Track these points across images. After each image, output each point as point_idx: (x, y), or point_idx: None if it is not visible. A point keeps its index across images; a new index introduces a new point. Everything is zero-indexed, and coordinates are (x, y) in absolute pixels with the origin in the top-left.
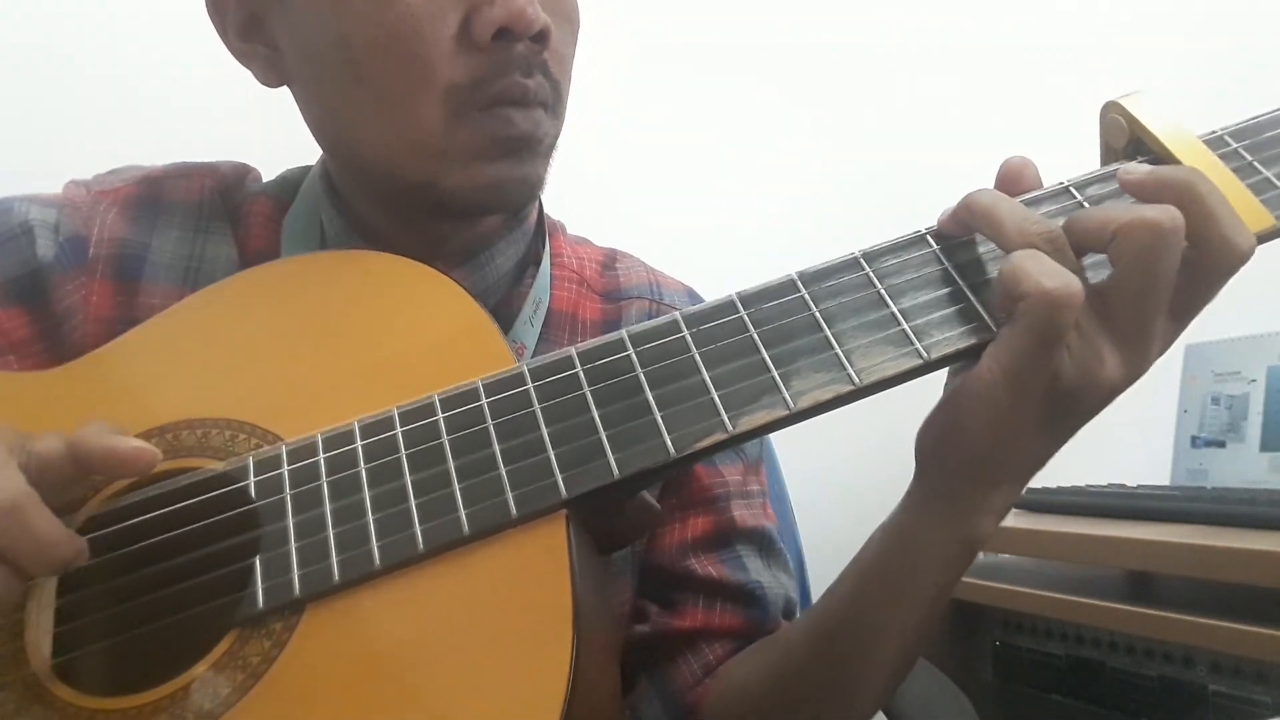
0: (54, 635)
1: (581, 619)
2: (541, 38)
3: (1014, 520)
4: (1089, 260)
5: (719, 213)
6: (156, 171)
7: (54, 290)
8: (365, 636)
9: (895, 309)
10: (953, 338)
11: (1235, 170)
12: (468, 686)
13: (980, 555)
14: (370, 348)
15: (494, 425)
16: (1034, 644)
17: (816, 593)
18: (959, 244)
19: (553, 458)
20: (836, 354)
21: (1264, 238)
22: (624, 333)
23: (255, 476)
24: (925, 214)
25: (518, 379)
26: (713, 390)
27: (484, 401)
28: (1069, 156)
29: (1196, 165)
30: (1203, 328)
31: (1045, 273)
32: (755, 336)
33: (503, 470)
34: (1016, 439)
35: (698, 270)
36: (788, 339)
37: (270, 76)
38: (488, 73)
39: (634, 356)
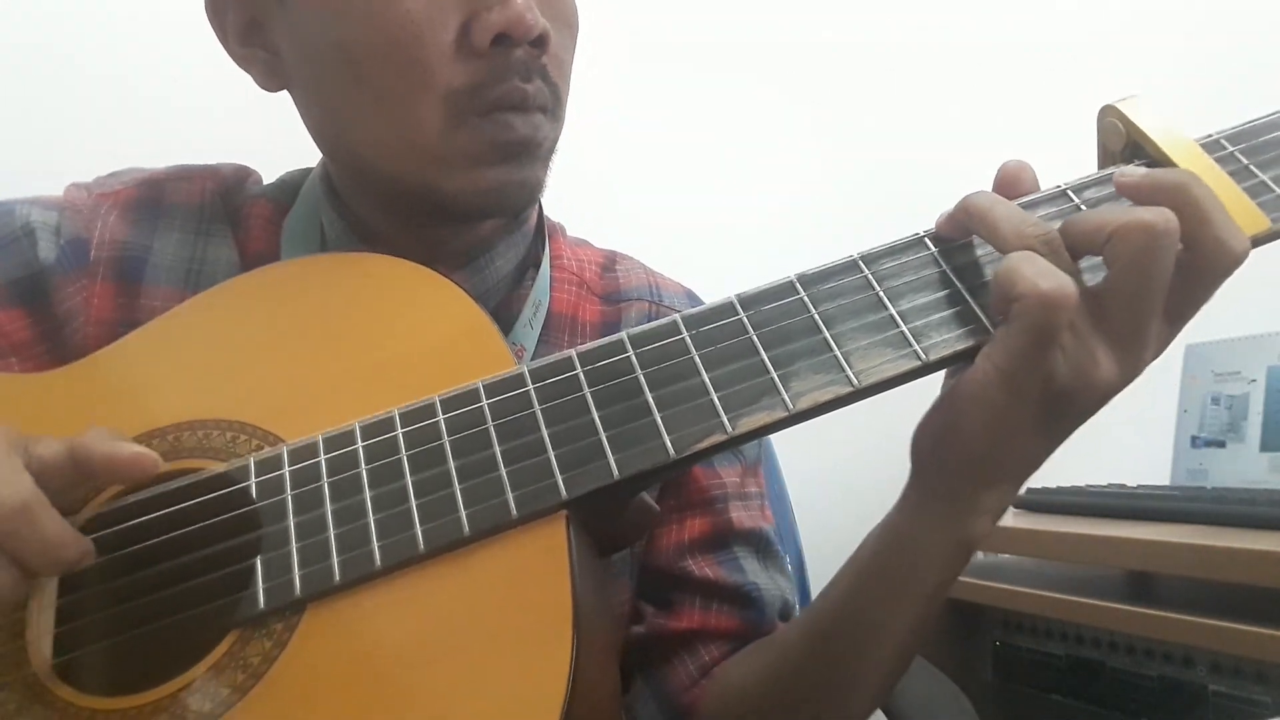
0: (55, 635)
1: (581, 619)
2: (540, 42)
3: (1014, 520)
4: (1086, 263)
5: (719, 213)
6: (157, 174)
7: (55, 292)
8: (366, 637)
9: (894, 311)
10: (951, 339)
11: (1231, 174)
12: (468, 686)
13: (980, 555)
14: (371, 349)
15: (494, 426)
16: (1034, 644)
17: (816, 593)
18: (957, 246)
19: (553, 459)
20: (836, 356)
21: (1260, 240)
22: (624, 334)
23: (256, 477)
24: (925, 214)
25: (518, 380)
26: (712, 392)
27: (484, 403)
28: (1068, 157)
29: (1193, 169)
30: (1203, 328)
31: (1040, 274)
32: (755, 338)
33: (503, 471)
34: (1012, 439)
35: (698, 270)
36: (787, 341)
37: (270, 81)
38: (487, 78)
39: (634, 358)
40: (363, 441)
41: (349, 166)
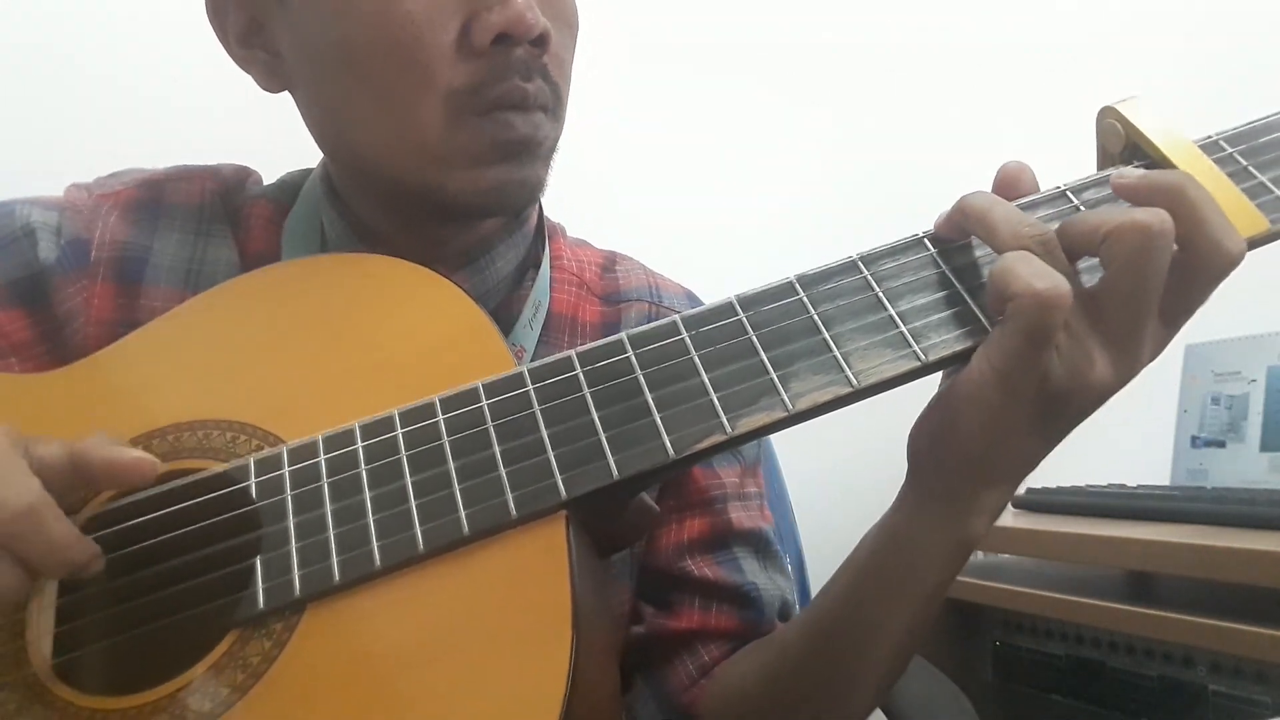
0: (54, 635)
1: (581, 619)
2: (541, 42)
3: (1014, 520)
4: (1084, 264)
5: (719, 213)
6: (157, 174)
7: (55, 293)
8: (365, 637)
9: (893, 311)
10: (950, 340)
11: (1230, 175)
12: (467, 686)
13: (980, 555)
14: (371, 350)
15: (494, 426)
16: (1034, 644)
17: (816, 592)
18: (956, 247)
19: (552, 459)
20: (835, 356)
21: (1260, 241)
22: (624, 335)
23: (256, 477)
24: (925, 214)
25: (518, 380)
26: (712, 392)
27: (484, 403)
28: (1068, 158)
29: (1192, 170)
30: (1203, 328)
31: (1035, 274)
32: (754, 339)
33: (503, 471)
34: (1009, 439)
35: (698, 271)
36: (786, 341)
37: (271, 82)
38: (487, 77)
39: (633, 358)
40: (362, 441)
41: (350, 166)
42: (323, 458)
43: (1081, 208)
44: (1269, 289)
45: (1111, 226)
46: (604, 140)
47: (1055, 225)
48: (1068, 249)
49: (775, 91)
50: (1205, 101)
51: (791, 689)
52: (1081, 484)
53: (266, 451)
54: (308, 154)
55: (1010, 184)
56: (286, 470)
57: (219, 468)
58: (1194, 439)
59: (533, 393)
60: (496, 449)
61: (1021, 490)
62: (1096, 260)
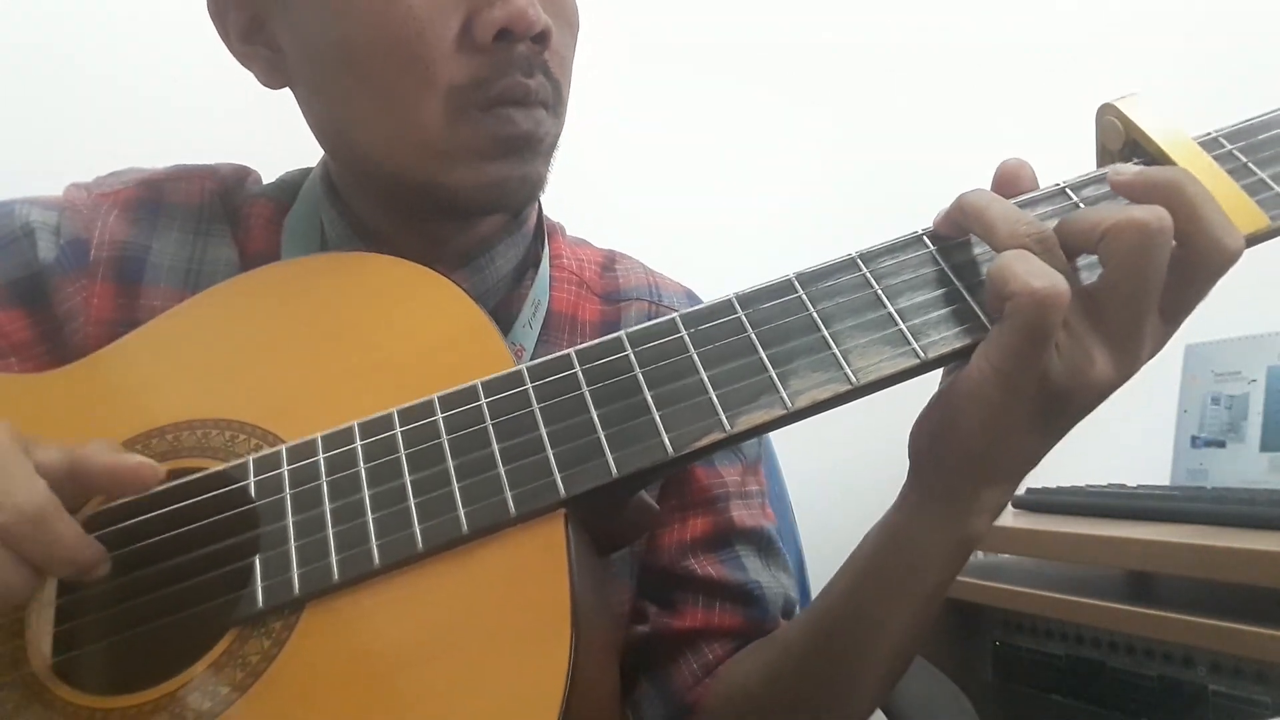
0: (54, 634)
1: (580, 617)
2: (542, 38)
3: (1014, 520)
4: (1083, 261)
5: (719, 213)
6: (157, 174)
7: (55, 293)
8: (364, 635)
9: (892, 309)
10: (949, 337)
11: (1230, 171)
12: (466, 685)
13: (980, 555)
14: (370, 349)
15: (493, 425)
16: (1034, 644)
17: (816, 592)
18: (955, 245)
19: (551, 457)
20: (834, 354)
21: (1258, 238)
22: (622, 333)
23: (255, 476)
24: (925, 214)
25: (516, 379)
26: (710, 390)
27: (483, 401)
28: (1068, 157)
29: (1191, 167)
30: (1203, 328)
31: (1033, 273)
32: (753, 336)
33: (501, 469)
34: (1009, 437)
35: (698, 270)
36: (785, 339)
37: (272, 78)
38: (489, 73)
39: (632, 357)
40: (361, 440)
41: (350, 164)
42: (321, 456)
43: (1081, 205)
44: (1269, 289)
45: (1110, 224)
46: (604, 140)
47: (1054, 223)
48: (1066, 247)
49: (775, 91)
50: (1205, 101)
51: (793, 688)
52: (1081, 484)
53: (265, 451)
54: (307, 153)
55: (1009, 181)
56: (285, 469)
57: (218, 467)
58: (1194, 439)
59: (531, 391)
60: (495, 447)
61: (1021, 490)
62: (1095, 257)
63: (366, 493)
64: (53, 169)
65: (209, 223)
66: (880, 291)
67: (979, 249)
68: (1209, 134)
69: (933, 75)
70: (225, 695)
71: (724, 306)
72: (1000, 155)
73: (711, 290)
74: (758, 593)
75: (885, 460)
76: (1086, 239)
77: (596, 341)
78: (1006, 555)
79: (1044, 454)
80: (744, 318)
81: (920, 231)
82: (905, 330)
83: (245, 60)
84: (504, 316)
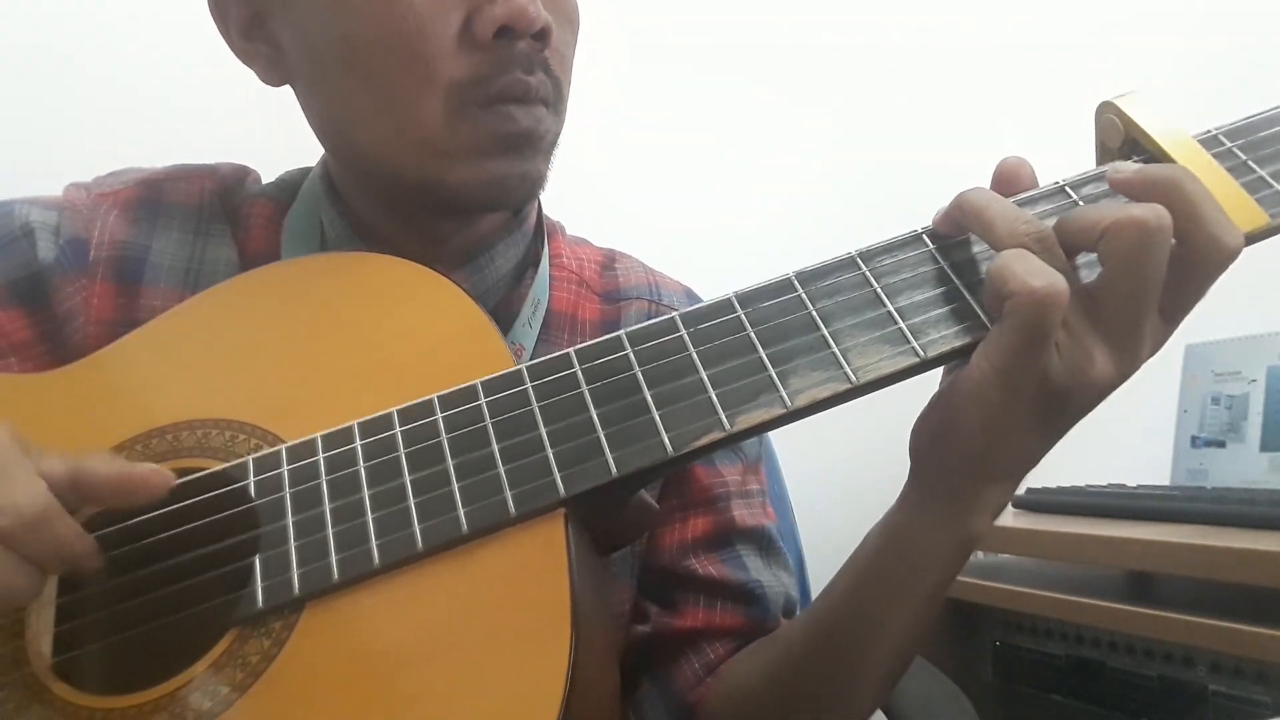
0: (54, 634)
1: (580, 617)
2: (543, 36)
3: (1014, 520)
4: (1082, 259)
5: (719, 213)
6: (156, 174)
7: (55, 292)
8: (364, 635)
9: (892, 308)
10: (949, 336)
11: (1230, 169)
12: (466, 684)
13: (980, 555)
14: (370, 349)
15: (492, 424)
16: (1034, 644)
17: (816, 592)
18: (955, 243)
19: (551, 456)
20: (833, 352)
21: (1258, 236)
22: (622, 333)
23: (255, 476)
24: (925, 214)
25: (516, 378)
26: (710, 389)
27: (482, 401)
28: (1068, 157)
29: (1190, 164)
30: (1203, 328)
31: (1031, 272)
32: (752, 335)
33: (501, 469)
34: (1009, 436)
35: (698, 270)
36: (785, 338)
37: (272, 75)
38: (489, 70)
39: (632, 356)
40: (361, 440)
41: (350, 162)
42: (321, 456)
43: (1080, 203)
44: (1269, 289)
45: (1109, 223)
46: (604, 140)
47: (1053, 221)
48: (1065, 245)
49: (775, 91)
50: (1205, 101)
51: (794, 687)
52: (1081, 484)
53: (265, 450)
54: (307, 152)
55: (1009, 179)
56: (285, 469)
57: (218, 467)
58: (1194, 439)
59: (531, 390)
60: (495, 447)
61: (1021, 490)
62: (1095, 255)
63: (366, 492)
64: (53, 169)
65: (209, 222)
66: (879, 290)
67: (978, 247)
68: (1208, 132)
69: (933, 75)
70: (225, 695)
71: (723, 305)
72: (1000, 155)
73: (711, 290)
74: (759, 592)
75: (885, 460)
76: (1086, 237)
77: (596, 341)
78: (1006, 555)
79: (1044, 453)
80: (743, 317)
81: (920, 230)
82: (905, 329)
83: (245, 58)
84: (504, 315)
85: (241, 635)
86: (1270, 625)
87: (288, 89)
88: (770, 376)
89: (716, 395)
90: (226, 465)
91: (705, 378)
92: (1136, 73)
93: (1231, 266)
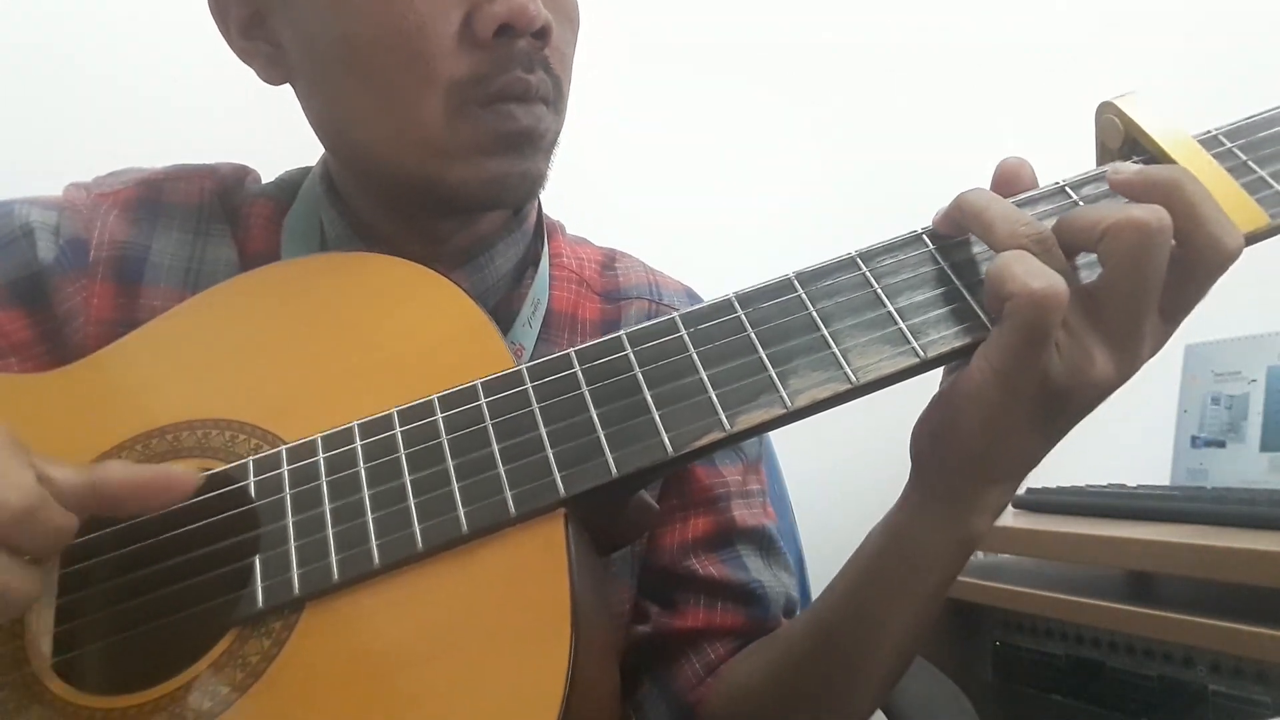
0: (54, 634)
1: (580, 617)
2: (543, 34)
3: (1014, 520)
4: (1082, 259)
5: (719, 213)
6: (156, 174)
7: (55, 292)
8: (364, 635)
9: (892, 308)
10: (949, 336)
11: (1230, 169)
12: (466, 684)
13: (980, 555)
14: (370, 349)
15: (492, 425)
16: (1034, 644)
17: (817, 592)
18: (955, 243)
19: (551, 456)
20: (833, 353)
21: (1258, 236)
22: (622, 333)
23: (255, 476)
24: (925, 214)
25: (516, 379)
26: (710, 389)
27: (482, 401)
28: (1068, 157)
29: (1190, 165)
30: (1203, 328)
31: (1031, 273)
32: (752, 336)
33: (501, 469)
34: (1010, 437)
35: (698, 270)
36: (785, 338)
37: (272, 74)
38: (490, 69)
39: (632, 356)
40: (361, 440)
41: (350, 161)
42: (321, 457)
43: (1080, 203)
44: (1269, 289)
45: (1109, 224)
46: (604, 140)
47: (1053, 221)
48: (1065, 245)
49: (775, 91)
50: (1205, 101)
51: (795, 687)
52: (1081, 484)
53: (265, 451)
54: (307, 152)
55: (1009, 179)
56: (285, 469)
57: (218, 467)
58: (1194, 439)
59: (531, 391)
60: (495, 447)
61: (1021, 490)
62: (1095, 256)
63: (366, 493)
64: (53, 169)
65: (208, 222)
66: (880, 290)
67: (978, 248)
68: (1208, 132)
69: (933, 75)
70: (225, 695)
71: (723, 306)
72: (1000, 155)
73: (711, 290)
74: (759, 592)
75: (885, 460)
76: (1086, 238)
77: (596, 342)
78: (1006, 555)
79: (1044, 454)
80: (743, 317)
81: (920, 230)
82: (905, 329)
83: (245, 56)
84: (504, 315)
85: (241, 635)
86: (1270, 625)
87: (287, 88)
88: (770, 377)
89: (716, 395)
90: (227, 466)
91: (705, 378)
92: (1136, 73)
93: (1231, 266)
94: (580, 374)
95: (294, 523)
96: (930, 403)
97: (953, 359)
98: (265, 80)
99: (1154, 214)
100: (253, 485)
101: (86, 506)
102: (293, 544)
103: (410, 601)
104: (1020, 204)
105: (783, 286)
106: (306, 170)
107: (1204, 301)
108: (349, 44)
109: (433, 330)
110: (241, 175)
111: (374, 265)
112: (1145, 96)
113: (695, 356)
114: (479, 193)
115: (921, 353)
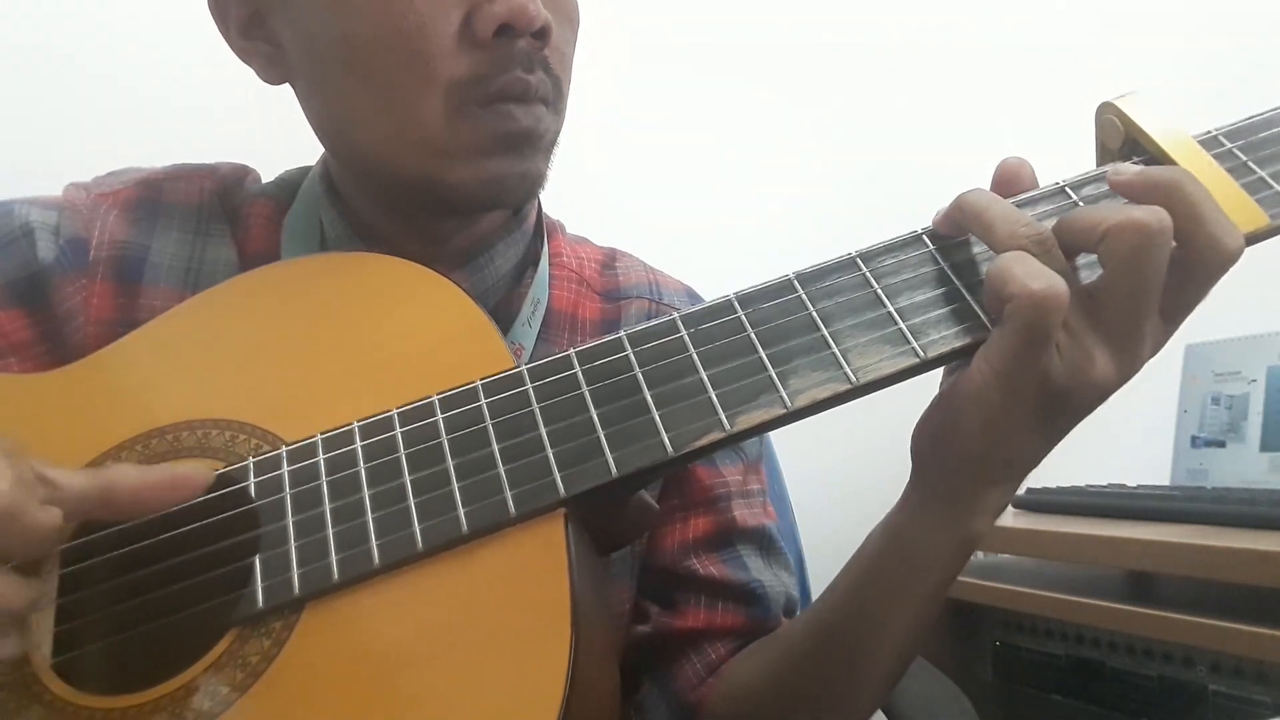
0: (54, 634)
1: (580, 617)
2: (543, 34)
3: (1014, 520)
4: (1082, 260)
5: (719, 213)
6: (156, 174)
7: (55, 292)
8: (364, 635)
9: (892, 308)
10: (949, 336)
11: (1230, 170)
12: (466, 684)
13: (980, 555)
14: (370, 349)
15: (492, 425)
16: (1034, 644)
17: (817, 592)
18: (955, 244)
19: (551, 456)
20: (833, 353)
21: (1258, 237)
22: (622, 333)
23: (255, 477)
24: (925, 214)
25: (516, 379)
26: (710, 389)
27: (482, 401)
28: (1068, 157)
29: (1191, 165)
30: (1203, 328)
31: (1031, 274)
32: (752, 336)
33: (501, 469)
34: (1010, 438)
35: (698, 270)
36: (785, 338)
37: (272, 74)
38: (489, 69)
39: (632, 356)
40: (361, 441)
41: (350, 161)
42: (321, 457)
43: (1080, 204)
44: (1269, 289)
45: (1110, 225)
46: (604, 140)
47: (1053, 222)
48: (1065, 246)
49: (775, 91)
50: (1205, 101)
51: (795, 687)
52: (1081, 484)
53: (265, 451)
54: (307, 152)
55: (1009, 179)
56: (285, 470)
57: (218, 467)
58: (1194, 439)
59: (531, 391)
60: (495, 447)
61: (1021, 490)
62: (1095, 256)
63: (366, 493)
64: (53, 169)
65: (208, 222)
66: (880, 291)
67: (978, 248)
68: (1208, 132)
69: (933, 75)
70: (225, 695)
71: (724, 306)
72: (1000, 155)
73: (711, 290)
74: (760, 592)
75: (885, 460)
76: (1086, 238)
77: (596, 342)
78: (1006, 555)
79: (1045, 454)
80: (744, 317)
81: (920, 231)
82: (905, 329)
83: (245, 56)
84: (504, 315)
85: (241, 635)
86: (1270, 625)
87: (287, 88)
88: (770, 377)
89: (717, 395)
90: (227, 466)
91: (705, 378)
92: (1136, 73)
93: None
94: (580, 374)
95: (294, 523)
96: (931, 404)
97: (953, 359)
98: (265, 80)
99: (1154, 215)
100: (253, 485)
101: (97, 512)
102: (293, 544)
103: (410, 601)
104: (1020, 204)
105: (783, 287)
106: (306, 170)
107: (1204, 301)
108: (349, 44)
109: (433, 330)
110: (241, 175)
111: (374, 265)
112: (1145, 97)
113: (695, 356)
114: (479, 193)
115: (921, 353)
